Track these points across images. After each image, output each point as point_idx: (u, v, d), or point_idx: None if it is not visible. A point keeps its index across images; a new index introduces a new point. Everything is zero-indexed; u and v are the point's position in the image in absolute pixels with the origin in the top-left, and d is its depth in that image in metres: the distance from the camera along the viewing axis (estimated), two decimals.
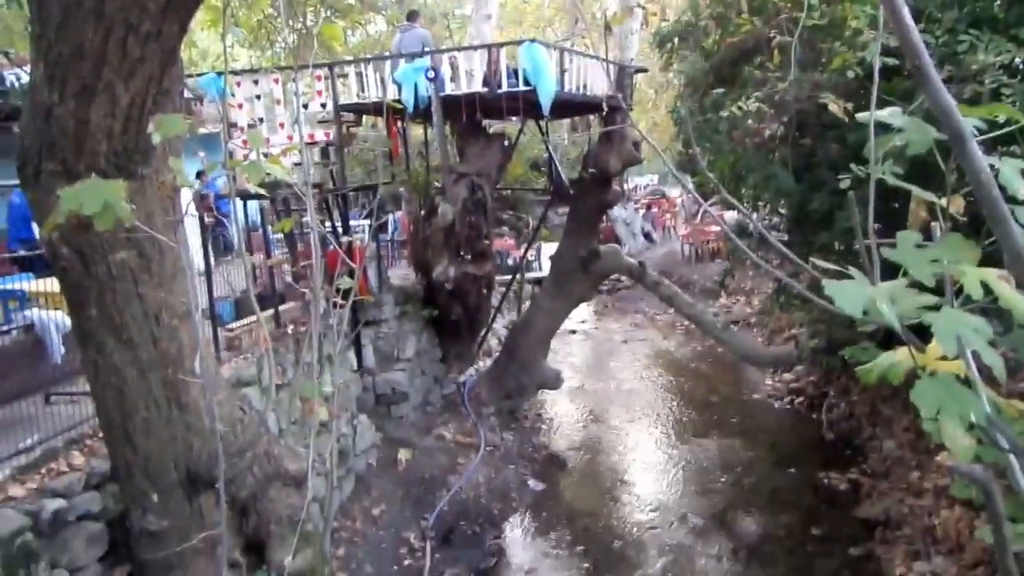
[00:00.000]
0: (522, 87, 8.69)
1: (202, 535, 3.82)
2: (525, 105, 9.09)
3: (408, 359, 9.67)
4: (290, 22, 17.17)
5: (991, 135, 1.57)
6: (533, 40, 8.97)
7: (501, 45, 9.22)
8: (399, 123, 10.43)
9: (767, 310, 13.66)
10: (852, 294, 1.22)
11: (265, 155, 8.54)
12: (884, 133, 1.63)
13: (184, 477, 3.80)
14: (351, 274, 3.34)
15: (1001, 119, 1.60)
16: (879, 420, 8.51)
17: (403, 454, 8.14)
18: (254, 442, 4.11)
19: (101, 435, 4.88)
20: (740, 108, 6.83)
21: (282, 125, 9.00)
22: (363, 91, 9.20)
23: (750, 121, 7.90)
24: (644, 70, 11.70)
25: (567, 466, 9.63)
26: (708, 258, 18.99)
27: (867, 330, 6.31)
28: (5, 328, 5.52)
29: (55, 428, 4.90)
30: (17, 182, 3.37)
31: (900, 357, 1.55)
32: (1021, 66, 5.67)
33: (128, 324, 3.46)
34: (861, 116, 1.74)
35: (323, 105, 8.90)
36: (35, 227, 8.01)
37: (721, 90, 8.78)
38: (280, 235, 9.68)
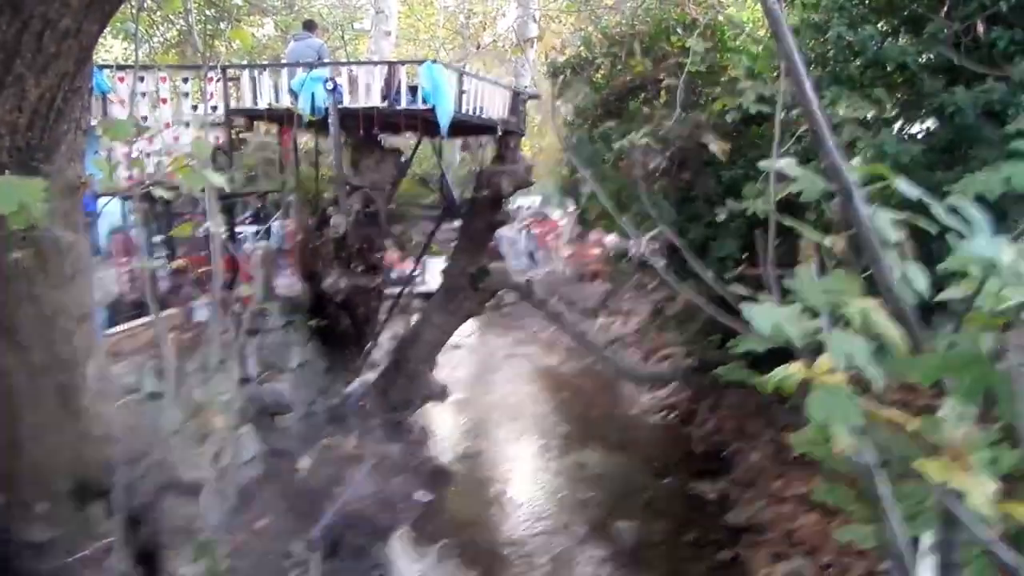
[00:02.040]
0: (421, 105, 8.83)
1: (92, 546, 3.68)
2: (422, 123, 9.25)
3: (293, 369, 9.50)
4: (171, 17, 16.48)
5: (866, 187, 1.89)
6: (434, 61, 9.15)
7: (403, 63, 9.34)
8: (290, 131, 10.29)
9: (644, 330, 14.39)
10: (765, 315, 1.47)
11: (148, 155, 8.19)
12: (778, 180, 1.93)
13: (74, 486, 3.64)
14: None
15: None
16: (745, 434, 9.22)
17: (304, 462, 8.04)
18: (148, 450, 3.99)
19: None
20: (631, 142, 7.29)
21: (168, 125, 8.68)
22: (257, 96, 9.03)
23: (636, 154, 8.45)
24: (537, 97, 12.15)
25: (453, 477, 9.75)
26: (588, 279, 19.72)
27: (737, 352, 6.91)
28: None
29: None
30: None
31: (793, 370, 1.83)
32: (872, 121, 6.43)
33: (20, 326, 3.31)
34: (763, 164, 2.03)
35: (214, 108, 8.66)
36: None
37: (611, 124, 9.30)
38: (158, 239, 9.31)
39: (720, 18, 8.57)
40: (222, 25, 16.90)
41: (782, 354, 1.66)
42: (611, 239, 18.65)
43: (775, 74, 7.79)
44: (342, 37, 16.59)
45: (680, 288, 2.04)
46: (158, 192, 4.55)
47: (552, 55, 12.99)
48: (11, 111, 2.97)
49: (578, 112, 11.24)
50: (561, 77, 11.29)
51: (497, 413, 12.08)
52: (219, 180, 2.34)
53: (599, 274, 19.39)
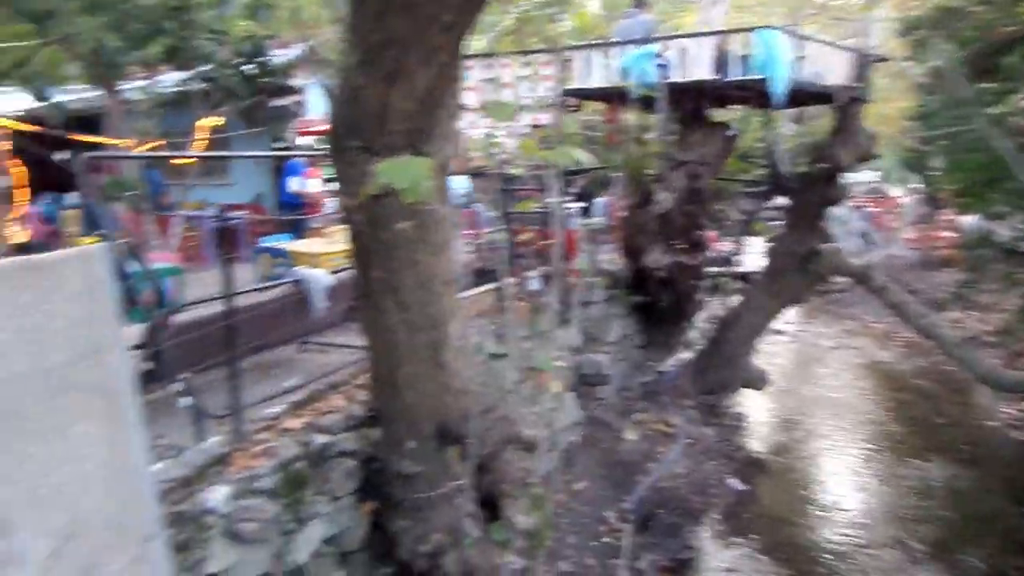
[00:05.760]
0: (753, 75, 8.41)
1: (447, 485, 4.19)
2: (753, 94, 8.81)
3: (612, 342, 9.80)
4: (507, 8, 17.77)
5: None
6: (770, 26, 8.63)
7: (734, 31, 8.97)
8: (617, 109, 10.50)
9: (1011, 329, 12.24)
10: None
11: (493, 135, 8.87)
12: None
13: (436, 429, 4.16)
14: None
15: None
16: None
17: (630, 433, 8.34)
18: (496, 405, 4.41)
19: (357, 383, 5.47)
20: (1014, 105, 6.16)
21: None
22: (589, 76, 9.35)
23: (1015, 118, 7.13)
24: (884, 59, 10.83)
25: (768, 469, 9.32)
26: (937, 266, 17.32)
27: None
28: (277, 283, 6.32)
29: (311, 373, 5.58)
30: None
31: None
32: None
33: (404, 287, 3.84)
34: None
35: (550, 89, 9.17)
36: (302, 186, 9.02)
37: (983, 84, 7.98)
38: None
39: None
40: (549, 11, 17.82)
41: None
42: (968, 220, 16.14)
43: None
44: (669, 11, 16.46)
45: None
46: (510, 169, 4.95)
47: (906, 9, 11.50)
48: (404, 99, 3.42)
49: (935, 73, 9.82)
50: (915, 34, 9.96)
51: (820, 407, 11.23)
52: (586, 157, 2.44)
53: (951, 260, 16.92)
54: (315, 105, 11.95)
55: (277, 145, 11.35)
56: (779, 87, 8.23)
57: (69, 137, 8.33)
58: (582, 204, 11.98)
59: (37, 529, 3.10)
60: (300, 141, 11.40)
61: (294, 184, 8.83)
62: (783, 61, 8.30)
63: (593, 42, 10.08)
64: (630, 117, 11.30)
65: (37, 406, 3.08)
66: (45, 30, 7.54)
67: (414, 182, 2.73)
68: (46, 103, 7.87)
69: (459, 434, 4.15)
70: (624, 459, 8.43)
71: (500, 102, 3.09)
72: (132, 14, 6.79)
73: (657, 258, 9.15)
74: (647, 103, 9.40)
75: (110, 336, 3.41)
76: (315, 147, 10.70)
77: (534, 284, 8.42)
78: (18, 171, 8.50)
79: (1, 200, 7.55)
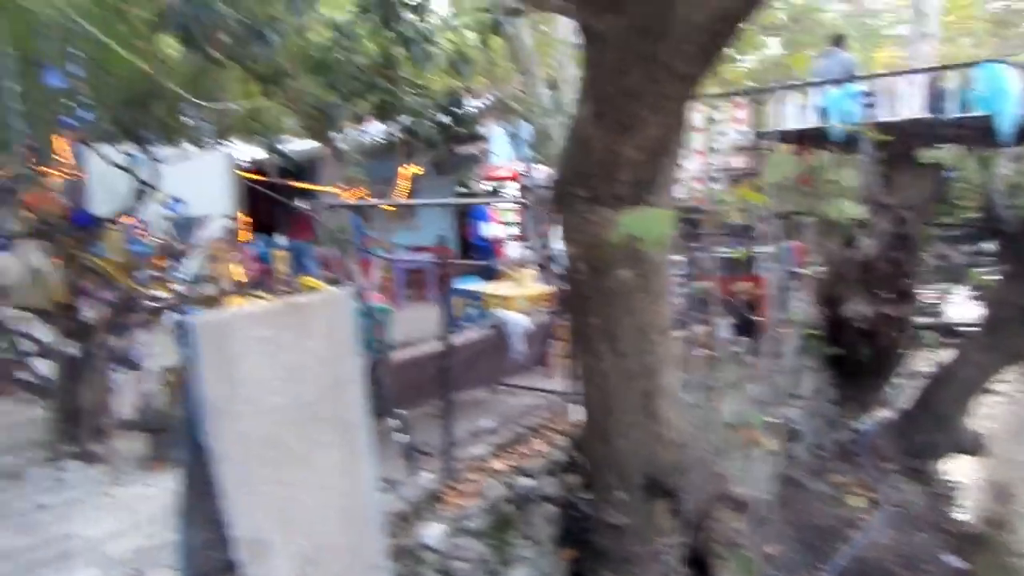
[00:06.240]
0: (975, 111, 7.74)
1: (655, 540, 4.06)
2: (972, 132, 8.10)
3: (804, 396, 9.20)
4: None
5: None
6: (993, 60, 7.94)
7: (950, 67, 8.33)
8: (810, 150, 10.02)
9: None
10: None
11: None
12: None
13: (645, 481, 4.06)
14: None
15: None
16: None
17: (855, 501, 7.82)
18: (705, 460, 4.24)
19: (553, 426, 5.50)
20: None
21: (699, 152, 9.25)
22: (783, 118, 9.03)
23: None
24: None
25: (987, 544, 8.30)
26: None
27: None
28: (481, 325, 6.52)
29: (506, 415, 5.68)
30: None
31: None
32: None
33: (621, 335, 3.82)
34: None
35: (743, 132, 8.94)
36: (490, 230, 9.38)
37: None
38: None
39: None
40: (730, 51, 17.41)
41: None
42: None
43: None
44: (860, 48, 15.59)
45: None
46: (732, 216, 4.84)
47: None
48: (633, 149, 3.42)
49: None
50: None
51: None
52: (855, 210, 2.30)
53: None
54: (499, 151, 12.39)
55: (461, 190, 11.84)
56: (1007, 124, 7.52)
57: (287, 184, 9.19)
58: (767, 249, 11.45)
59: (286, 552, 3.31)
60: (484, 186, 11.84)
61: (486, 228, 9.18)
62: (1011, 96, 7.59)
63: (791, 82, 9.73)
64: (827, 158, 10.76)
65: (291, 436, 3.33)
66: (272, 90, 8.35)
67: (656, 233, 2.72)
68: (274, 154, 8.75)
69: (670, 487, 4.02)
70: (819, 522, 7.83)
71: (779, 161, 3.00)
72: (349, 72, 7.40)
73: (858, 308, 8.55)
74: (847, 144, 8.91)
75: (349, 372, 3.64)
76: (498, 192, 11.05)
77: (724, 333, 8.12)
78: (243, 216, 9.46)
79: (231, 242, 8.42)
